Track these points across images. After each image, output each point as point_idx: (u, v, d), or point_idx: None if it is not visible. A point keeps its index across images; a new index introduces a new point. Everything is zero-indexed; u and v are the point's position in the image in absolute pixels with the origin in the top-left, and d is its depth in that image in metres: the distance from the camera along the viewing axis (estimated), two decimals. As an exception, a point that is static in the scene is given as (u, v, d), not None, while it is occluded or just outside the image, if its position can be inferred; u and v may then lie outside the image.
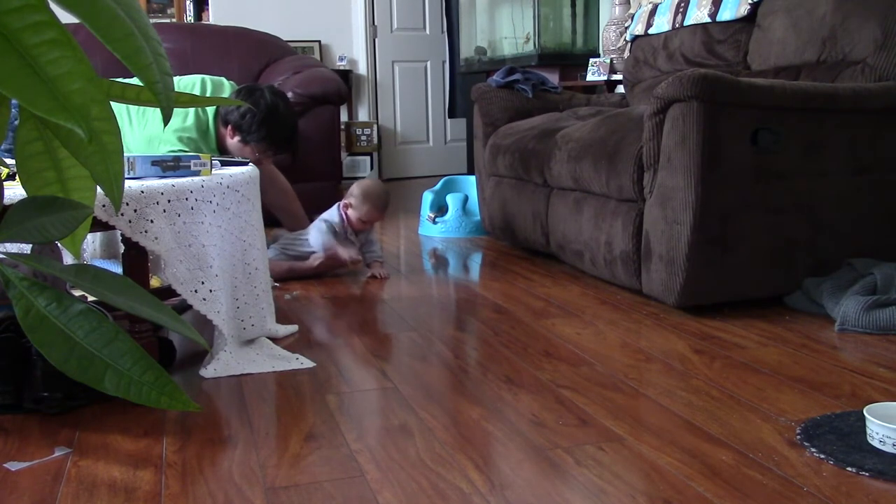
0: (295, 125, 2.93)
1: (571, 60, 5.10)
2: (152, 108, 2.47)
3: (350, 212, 2.86)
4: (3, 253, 1.22)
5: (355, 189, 2.88)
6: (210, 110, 2.85)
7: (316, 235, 2.83)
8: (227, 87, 3.06)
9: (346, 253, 2.79)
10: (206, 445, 1.45)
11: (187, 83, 3.02)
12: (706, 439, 1.44)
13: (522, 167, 3.10)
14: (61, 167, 1.23)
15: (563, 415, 1.56)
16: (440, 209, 3.92)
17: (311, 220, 2.98)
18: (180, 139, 2.75)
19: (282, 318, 2.26)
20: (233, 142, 2.83)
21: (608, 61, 4.58)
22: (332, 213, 2.89)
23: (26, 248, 1.77)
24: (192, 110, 2.79)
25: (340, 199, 2.89)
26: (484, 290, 2.67)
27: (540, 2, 5.25)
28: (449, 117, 6.75)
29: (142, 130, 2.79)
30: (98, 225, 1.62)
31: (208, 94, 2.99)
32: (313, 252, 2.84)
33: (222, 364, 1.84)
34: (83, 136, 0.86)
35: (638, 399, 1.65)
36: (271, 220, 3.04)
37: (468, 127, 5.84)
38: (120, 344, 1.08)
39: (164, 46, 0.97)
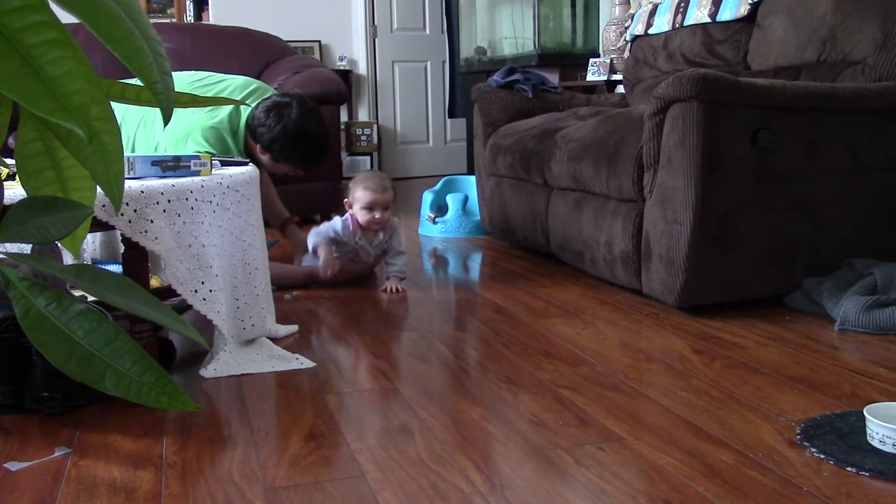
0: (325, 140, 2.83)
1: (571, 60, 5.10)
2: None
3: (353, 209, 2.68)
4: (3, 253, 1.22)
5: (350, 183, 2.74)
6: (244, 112, 2.80)
7: (315, 236, 2.69)
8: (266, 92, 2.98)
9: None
10: (206, 445, 1.45)
11: (240, 83, 2.96)
12: (706, 439, 1.44)
13: (522, 167, 3.10)
14: (61, 167, 1.24)
15: (563, 415, 1.56)
16: (440, 209, 3.92)
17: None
18: (206, 139, 2.70)
19: (282, 318, 2.26)
20: (264, 158, 2.77)
21: (608, 61, 4.58)
22: (336, 220, 2.72)
23: (26, 248, 1.77)
24: (225, 109, 2.75)
25: (341, 199, 2.81)
26: (484, 290, 2.67)
27: (540, 2, 5.25)
28: (449, 117, 6.75)
29: (170, 125, 2.75)
30: (98, 225, 1.62)
31: (254, 96, 2.91)
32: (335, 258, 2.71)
33: (222, 364, 1.84)
34: (83, 137, 0.86)
35: (638, 399, 1.65)
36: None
37: (468, 127, 5.84)
38: (120, 344, 1.08)
39: (164, 46, 0.97)
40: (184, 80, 2.95)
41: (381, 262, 2.82)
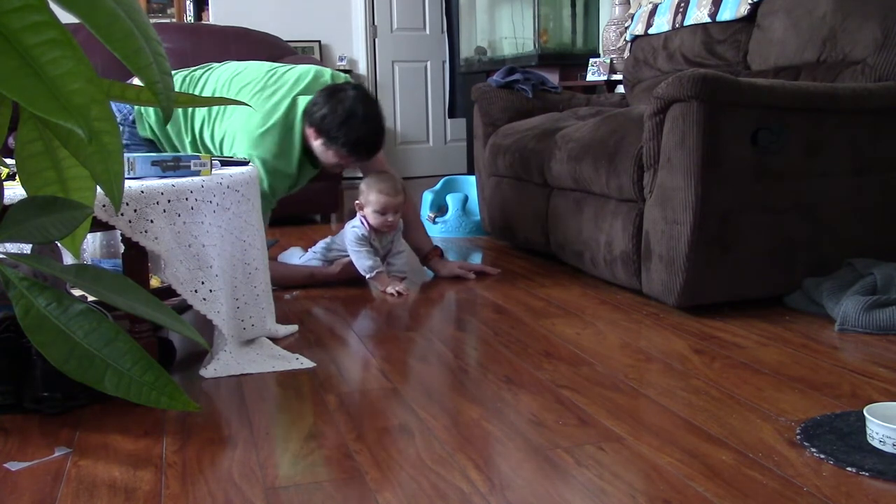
0: (378, 129, 2.73)
1: (571, 60, 5.10)
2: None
3: (365, 211, 2.68)
4: (3, 253, 1.22)
5: (361, 185, 2.74)
6: (301, 103, 2.74)
7: (356, 257, 2.66)
8: (328, 80, 2.86)
9: (389, 286, 2.61)
10: (206, 445, 1.45)
11: (303, 70, 2.88)
12: (706, 439, 1.44)
13: (522, 167, 3.10)
14: (61, 167, 1.23)
15: (563, 415, 1.56)
16: (440, 209, 3.92)
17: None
18: (254, 146, 2.60)
19: (282, 318, 2.26)
20: (316, 143, 2.67)
21: (608, 61, 4.58)
22: (356, 221, 2.71)
23: (26, 248, 1.77)
24: (282, 107, 2.69)
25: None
26: (484, 290, 2.67)
27: (540, 2, 5.25)
28: (449, 117, 6.75)
29: (221, 123, 2.68)
30: (98, 225, 1.62)
31: (309, 83, 2.85)
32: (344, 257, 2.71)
33: (222, 364, 1.84)
34: (83, 136, 0.86)
35: (638, 399, 1.65)
36: (273, 220, 3.03)
37: (468, 127, 5.84)
38: (120, 344, 1.08)
39: (164, 46, 0.97)
40: (258, 70, 2.86)
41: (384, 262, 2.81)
